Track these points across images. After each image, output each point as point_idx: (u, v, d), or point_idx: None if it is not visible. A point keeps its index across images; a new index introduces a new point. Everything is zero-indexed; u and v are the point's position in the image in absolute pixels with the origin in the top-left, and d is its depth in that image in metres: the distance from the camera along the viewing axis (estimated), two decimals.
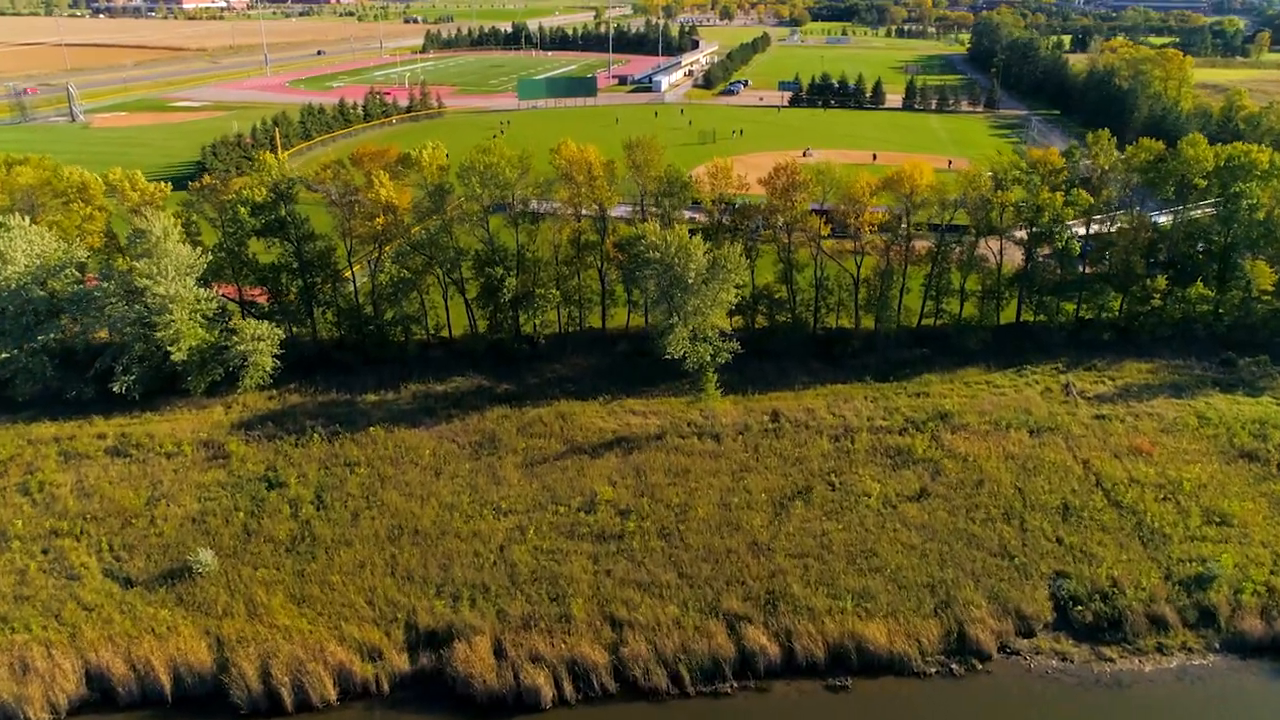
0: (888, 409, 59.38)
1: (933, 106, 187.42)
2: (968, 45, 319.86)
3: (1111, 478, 52.26)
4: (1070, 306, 71.54)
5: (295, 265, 66.00)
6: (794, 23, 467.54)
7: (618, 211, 70.04)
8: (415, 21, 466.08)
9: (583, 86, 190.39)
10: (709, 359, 59.37)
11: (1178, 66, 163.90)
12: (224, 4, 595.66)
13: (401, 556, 46.01)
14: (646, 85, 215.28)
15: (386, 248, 65.12)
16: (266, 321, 59.72)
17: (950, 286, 70.83)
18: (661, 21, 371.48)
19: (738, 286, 59.95)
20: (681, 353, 58.48)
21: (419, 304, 67.52)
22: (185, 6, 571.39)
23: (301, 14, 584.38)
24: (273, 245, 65.92)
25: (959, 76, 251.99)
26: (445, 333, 69.40)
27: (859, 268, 69.22)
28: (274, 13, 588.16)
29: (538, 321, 66.07)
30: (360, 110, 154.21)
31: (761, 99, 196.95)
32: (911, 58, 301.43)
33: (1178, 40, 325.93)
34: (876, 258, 69.06)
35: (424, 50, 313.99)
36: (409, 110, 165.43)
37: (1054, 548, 47.17)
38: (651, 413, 58.80)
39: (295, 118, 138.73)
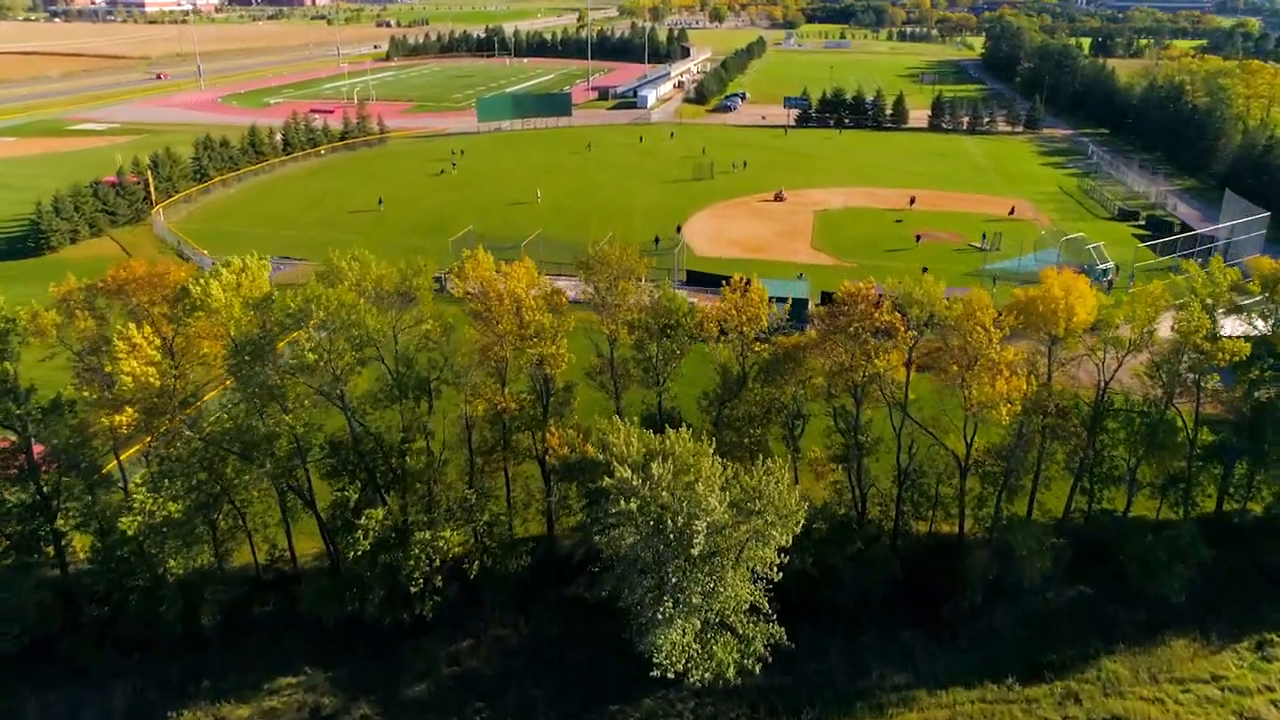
0: None
1: (964, 126, 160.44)
2: (982, 50, 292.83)
3: None
4: None
5: (22, 464, 38.24)
6: (788, 25, 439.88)
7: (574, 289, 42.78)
8: (388, 25, 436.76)
9: (555, 104, 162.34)
10: (729, 666, 32.26)
11: (1266, 82, 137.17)
12: (189, 7, 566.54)
13: None
14: (631, 100, 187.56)
15: (164, 443, 37.18)
16: None
17: (1114, 472, 43.75)
18: (648, 24, 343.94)
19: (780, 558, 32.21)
20: (683, 661, 31.40)
21: (235, 523, 39.77)
22: (147, 10, 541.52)
23: (271, 17, 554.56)
24: None
25: (977, 86, 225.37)
26: (287, 559, 41.80)
27: (969, 446, 41.75)
28: (241, 16, 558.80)
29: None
30: (280, 139, 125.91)
31: (764, 117, 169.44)
32: (921, 64, 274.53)
33: (1205, 44, 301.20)
34: (1003, 434, 41.94)
35: (388, 58, 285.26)
36: (344, 137, 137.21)
37: None
38: None
39: (188, 151, 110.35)
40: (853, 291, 38.65)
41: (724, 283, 40.41)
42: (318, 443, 39.55)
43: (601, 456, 30.27)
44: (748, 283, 41.91)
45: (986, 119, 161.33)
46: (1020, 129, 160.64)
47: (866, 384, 40.01)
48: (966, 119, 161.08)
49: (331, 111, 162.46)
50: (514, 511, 41.60)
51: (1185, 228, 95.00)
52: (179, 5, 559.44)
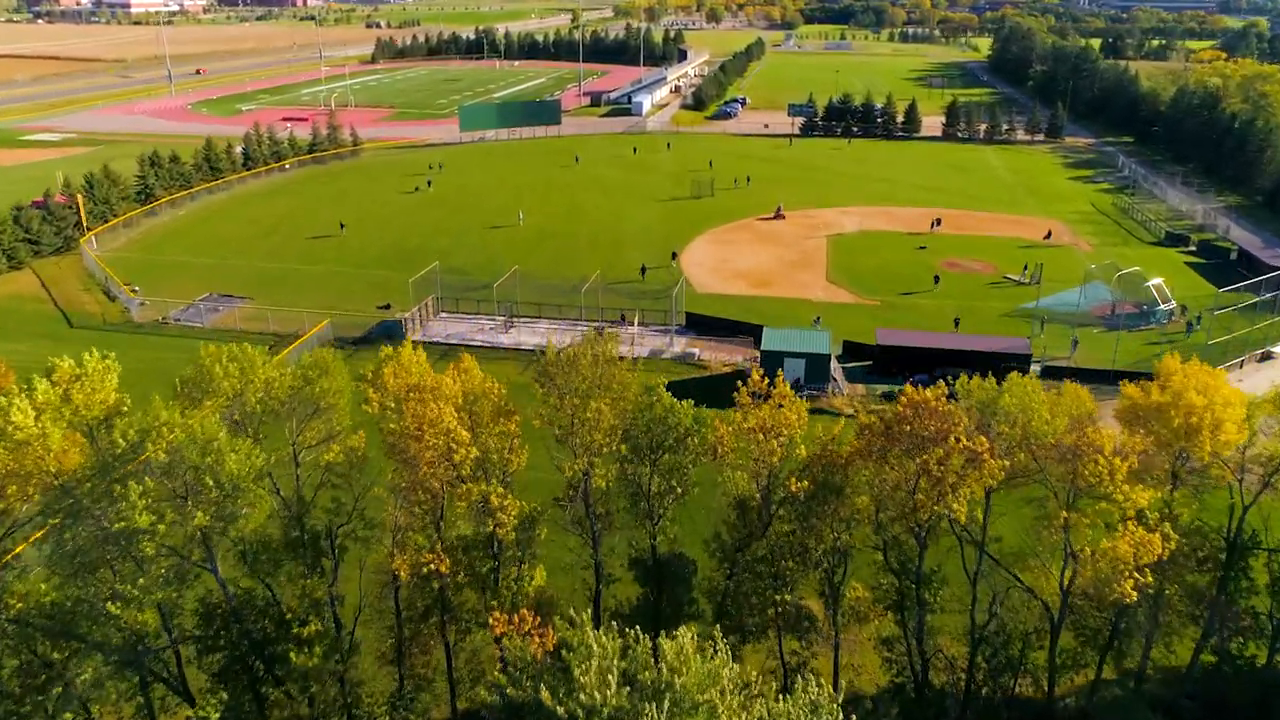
0: None
1: (980, 135, 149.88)
2: (989, 52, 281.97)
3: None
4: None
5: None
6: (787, 26, 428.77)
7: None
8: (378, 26, 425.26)
9: (543, 112, 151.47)
10: None
11: None
12: (175, 7, 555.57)
13: None
14: (625, 106, 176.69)
15: None
16: None
17: (1255, 623, 33.21)
18: (644, 25, 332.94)
19: None
20: None
21: (79, 713, 29.08)
22: (132, 11, 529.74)
23: (259, 18, 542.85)
24: None
25: (987, 90, 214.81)
26: None
27: (1066, 593, 31.06)
28: (229, 17, 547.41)
29: None
30: (240, 153, 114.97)
31: (766, 125, 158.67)
32: (925, 66, 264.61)
33: (1218, 43, 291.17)
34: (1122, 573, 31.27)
35: (373, 60, 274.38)
36: (312, 149, 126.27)
37: None
38: None
39: (131, 169, 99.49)
40: (917, 402, 27.97)
41: (739, 384, 29.58)
42: (190, 607, 28.92)
43: (561, 711, 19.63)
44: (769, 374, 31.33)
45: (1005, 127, 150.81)
46: (1040, 138, 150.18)
47: (933, 521, 29.45)
48: (984, 127, 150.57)
49: (305, 120, 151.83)
50: (458, 689, 30.90)
51: (1244, 255, 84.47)
52: (165, 6, 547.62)
